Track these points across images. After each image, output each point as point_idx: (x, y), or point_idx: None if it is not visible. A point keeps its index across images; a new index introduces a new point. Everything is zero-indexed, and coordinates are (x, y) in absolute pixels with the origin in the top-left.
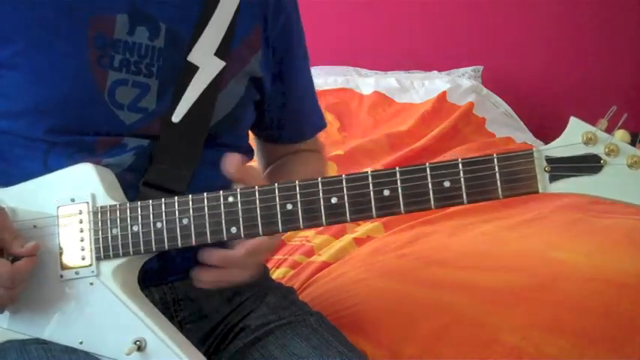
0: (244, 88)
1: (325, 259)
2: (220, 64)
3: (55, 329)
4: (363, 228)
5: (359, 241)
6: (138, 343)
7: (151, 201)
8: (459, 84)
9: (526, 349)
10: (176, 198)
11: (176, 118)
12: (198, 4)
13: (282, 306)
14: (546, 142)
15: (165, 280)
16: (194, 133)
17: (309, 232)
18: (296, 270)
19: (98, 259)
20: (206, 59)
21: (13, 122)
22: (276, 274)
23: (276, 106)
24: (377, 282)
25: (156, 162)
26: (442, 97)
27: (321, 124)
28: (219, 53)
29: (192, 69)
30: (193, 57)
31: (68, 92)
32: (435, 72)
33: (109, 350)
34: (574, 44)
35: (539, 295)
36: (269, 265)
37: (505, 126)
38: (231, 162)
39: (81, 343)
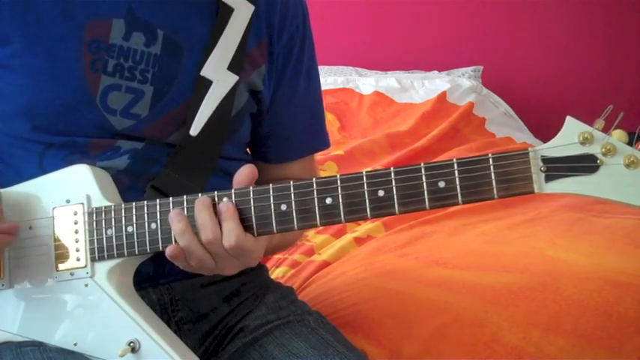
0: (244, 99)
1: (325, 259)
2: (234, 78)
3: (50, 330)
4: (363, 227)
5: (359, 241)
6: (132, 344)
7: (145, 202)
8: (459, 84)
9: (526, 349)
10: (171, 199)
11: (194, 131)
12: (202, 14)
13: (281, 306)
14: (546, 142)
15: (161, 281)
16: (211, 147)
17: (309, 232)
18: (296, 269)
19: (93, 260)
20: (219, 74)
21: (6, 123)
22: (275, 274)
23: (269, 120)
24: (377, 281)
25: (168, 169)
26: (442, 97)
27: (316, 145)
28: (232, 67)
29: (206, 83)
30: (206, 71)
31: (60, 95)
32: (435, 72)
33: (104, 351)
34: (574, 44)
35: (539, 294)
36: (268, 265)
37: (505, 126)
38: (241, 173)
39: (75, 344)
